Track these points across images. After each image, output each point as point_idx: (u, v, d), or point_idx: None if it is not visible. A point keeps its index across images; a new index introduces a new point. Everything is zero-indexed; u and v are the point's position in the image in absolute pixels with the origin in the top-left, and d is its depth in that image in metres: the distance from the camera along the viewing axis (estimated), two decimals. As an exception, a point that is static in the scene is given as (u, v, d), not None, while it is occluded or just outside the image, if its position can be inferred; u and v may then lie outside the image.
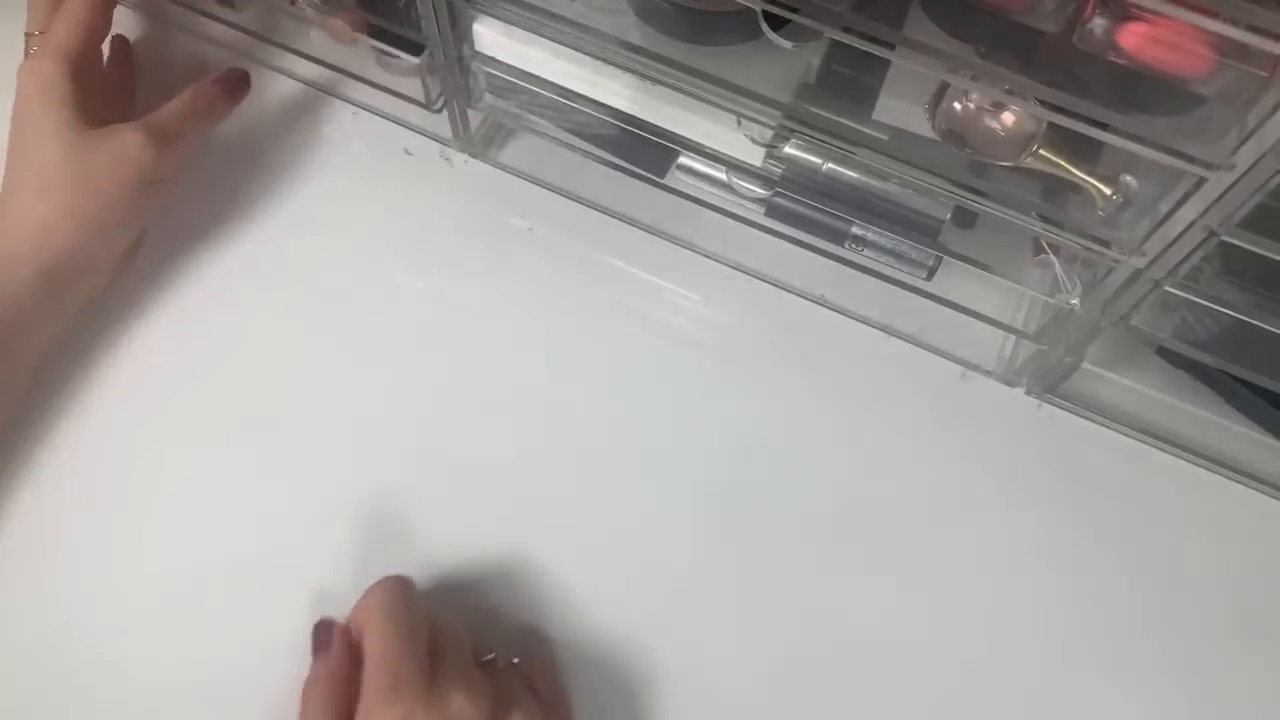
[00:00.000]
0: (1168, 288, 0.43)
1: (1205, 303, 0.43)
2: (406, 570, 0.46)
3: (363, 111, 0.62)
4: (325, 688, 0.42)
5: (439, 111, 0.58)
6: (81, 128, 0.51)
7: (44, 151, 0.50)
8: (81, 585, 0.49)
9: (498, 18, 0.49)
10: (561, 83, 0.51)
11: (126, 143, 0.51)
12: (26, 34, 0.54)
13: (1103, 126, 0.38)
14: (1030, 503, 0.53)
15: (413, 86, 0.57)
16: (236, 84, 0.58)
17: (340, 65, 0.60)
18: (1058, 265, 0.49)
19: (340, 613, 0.45)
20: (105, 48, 0.57)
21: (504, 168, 0.61)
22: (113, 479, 0.52)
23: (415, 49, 0.54)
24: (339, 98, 0.63)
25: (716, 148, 0.51)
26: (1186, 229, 0.40)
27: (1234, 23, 0.32)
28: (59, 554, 0.50)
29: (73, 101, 0.51)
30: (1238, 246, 0.39)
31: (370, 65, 0.60)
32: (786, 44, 0.46)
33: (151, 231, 0.56)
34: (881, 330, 0.57)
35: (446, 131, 0.60)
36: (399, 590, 0.44)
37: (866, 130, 0.46)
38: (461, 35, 0.51)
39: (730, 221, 0.55)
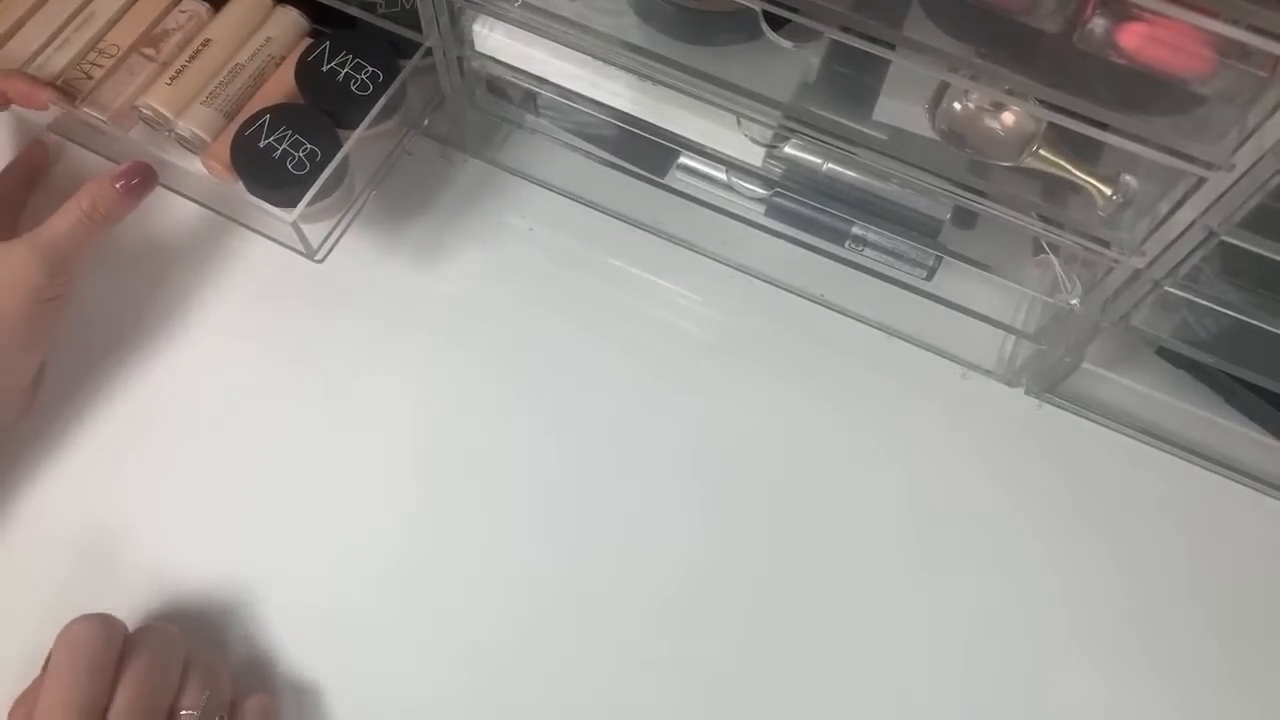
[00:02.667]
0: (1168, 288, 0.43)
1: (1205, 303, 0.43)
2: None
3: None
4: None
5: (320, 261, 0.55)
6: None
7: None
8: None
9: (498, 18, 0.49)
10: (562, 83, 0.51)
11: (13, 263, 0.47)
12: None
13: (1103, 126, 0.38)
14: (1029, 502, 0.53)
15: (288, 234, 0.53)
16: (140, 181, 0.50)
17: (218, 204, 0.58)
18: (1058, 265, 0.49)
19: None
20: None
21: (504, 168, 0.61)
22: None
23: (291, 200, 0.50)
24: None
25: (716, 148, 0.51)
26: (1186, 229, 0.40)
27: (1234, 23, 0.32)
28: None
29: None
30: (1238, 246, 0.39)
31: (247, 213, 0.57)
32: (786, 44, 0.46)
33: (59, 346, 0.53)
34: (881, 330, 0.57)
35: (447, 132, 0.60)
36: (86, 635, 0.42)
37: (866, 130, 0.46)
38: (461, 35, 0.51)
39: (730, 221, 0.55)
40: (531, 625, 0.50)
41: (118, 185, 0.50)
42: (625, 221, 0.59)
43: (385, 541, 0.51)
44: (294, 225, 0.51)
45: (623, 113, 0.51)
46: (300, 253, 0.55)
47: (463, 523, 0.52)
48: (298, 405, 0.54)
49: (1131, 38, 0.37)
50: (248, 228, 0.58)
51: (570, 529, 0.52)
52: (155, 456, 0.53)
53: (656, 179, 0.57)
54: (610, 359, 0.56)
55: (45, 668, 0.42)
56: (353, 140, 0.52)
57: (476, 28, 0.51)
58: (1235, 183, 0.37)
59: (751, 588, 0.51)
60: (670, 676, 0.49)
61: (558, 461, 0.53)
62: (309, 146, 0.52)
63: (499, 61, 0.52)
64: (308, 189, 0.51)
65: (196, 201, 0.59)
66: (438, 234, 0.59)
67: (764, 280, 0.58)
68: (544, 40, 0.49)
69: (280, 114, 0.52)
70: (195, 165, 0.54)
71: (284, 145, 0.51)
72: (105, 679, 0.41)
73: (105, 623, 0.43)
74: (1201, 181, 0.38)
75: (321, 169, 0.51)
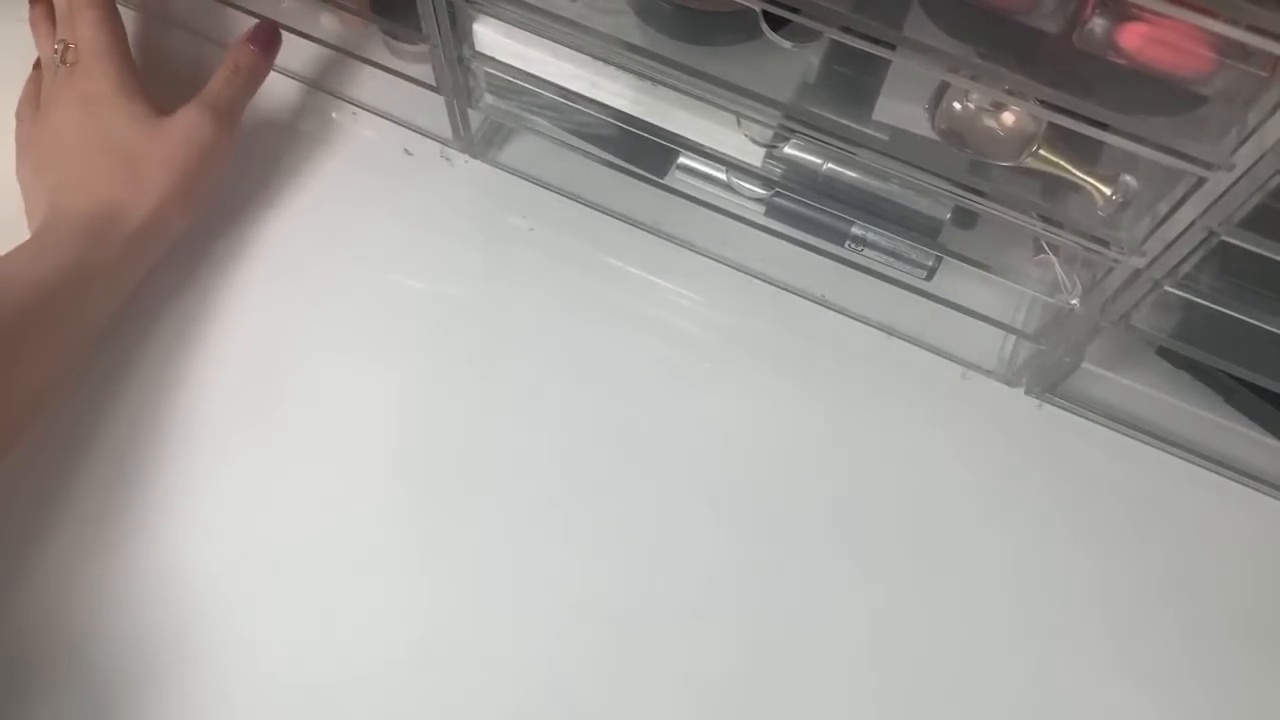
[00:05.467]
0: (1168, 288, 0.43)
1: (1205, 303, 0.43)
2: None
3: (363, 112, 0.62)
4: None
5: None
6: (153, 115, 0.55)
7: (127, 139, 0.54)
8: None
9: (498, 18, 0.49)
10: (562, 83, 0.51)
11: (193, 122, 0.55)
12: (58, 42, 0.56)
13: (1103, 126, 0.38)
14: (1029, 502, 0.53)
15: (422, 71, 0.56)
16: (268, 38, 0.59)
17: (350, 51, 0.61)
18: (1058, 265, 0.49)
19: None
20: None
21: (504, 168, 0.61)
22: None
23: (421, 37, 0.53)
24: (340, 98, 0.63)
25: (716, 148, 0.51)
26: (1186, 229, 0.40)
27: (1234, 23, 0.32)
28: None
29: (139, 92, 0.55)
30: (1238, 246, 0.39)
31: (379, 54, 0.61)
32: (786, 44, 0.46)
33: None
34: (881, 330, 0.57)
35: (447, 131, 0.60)
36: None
37: (866, 130, 0.46)
38: (461, 35, 0.51)
39: (730, 221, 0.55)
40: (529, 625, 0.50)
41: (252, 47, 0.58)
42: (625, 221, 0.59)
43: (376, 541, 0.51)
44: (431, 53, 0.54)
45: (623, 113, 0.51)
46: (431, 88, 0.56)
47: (459, 523, 0.52)
48: (295, 404, 0.54)
49: (1131, 38, 0.37)
50: (379, 66, 0.59)
51: (569, 529, 0.52)
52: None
53: (656, 179, 0.57)
54: (610, 359, 0.56)
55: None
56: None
57: (476, 28, 0.51)
58: (1235, 183, 0.37)
59: (752, 590, 0.51)
60: (669, 676, 0.49)
61: (557, 462, 0.53)
62: None
63: (499, 61, 0.52)
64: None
65: (330, 47, 0.61)
66: (438, 234, 0.59)
67: (764, 280, 0.58)
68: (544, 40, 0.49)
69: None
70: (324, 20, 0.61)
71: None
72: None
73: None
74: (1201, 181, 0.38)
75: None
